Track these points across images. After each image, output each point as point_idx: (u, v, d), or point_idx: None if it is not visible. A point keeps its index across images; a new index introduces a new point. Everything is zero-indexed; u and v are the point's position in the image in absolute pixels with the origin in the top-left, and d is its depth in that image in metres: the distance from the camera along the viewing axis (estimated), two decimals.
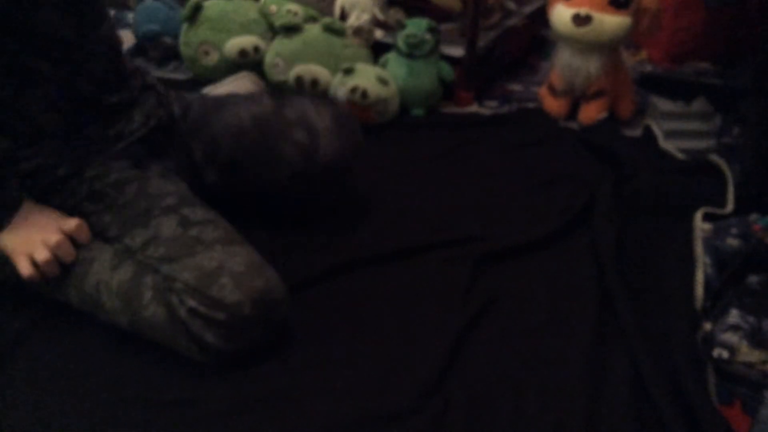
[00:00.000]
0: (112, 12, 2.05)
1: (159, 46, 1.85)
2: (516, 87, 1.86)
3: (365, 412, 0.92)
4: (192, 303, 0.93)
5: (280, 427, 0.91)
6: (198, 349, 0.95)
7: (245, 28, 1.68)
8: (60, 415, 0.91)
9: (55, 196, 1.06)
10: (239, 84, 1.61)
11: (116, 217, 1.05)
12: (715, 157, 1.46)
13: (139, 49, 1.92)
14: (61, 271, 1.02)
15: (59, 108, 1.04)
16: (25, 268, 1.00)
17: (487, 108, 1.75)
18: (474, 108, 1.74)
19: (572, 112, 1.69)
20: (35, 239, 1.00)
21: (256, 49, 1.67)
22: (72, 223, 1.03)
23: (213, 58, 1.68)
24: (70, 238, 1.03)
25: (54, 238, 1.01)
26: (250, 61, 1.68)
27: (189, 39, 1.69)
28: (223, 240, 1.00)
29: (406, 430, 0.90)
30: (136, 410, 0.92)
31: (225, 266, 0.95)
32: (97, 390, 0.95)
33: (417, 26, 1.64)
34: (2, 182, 1.02)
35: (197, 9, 1.67)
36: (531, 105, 1.75)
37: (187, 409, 0.93)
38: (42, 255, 1.00)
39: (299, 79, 1.62)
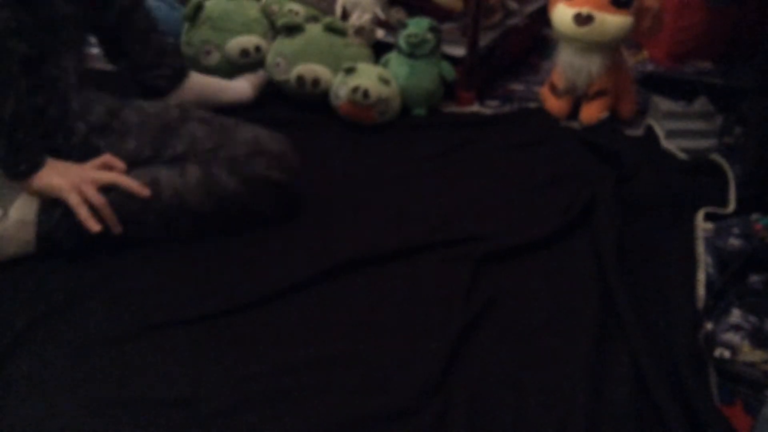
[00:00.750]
0: None
1: None
2: (517, 87, 1.86)
3: (366, 412, 0.92)
4: (259, 160, 1.20)
5: (281, 426, 0.90)
6: (274, 192, 1.23)
7: (247, 28, 1.68)
8: (60, 415, 0.91)
9: (59, 140, 1.18)
10: (237, 86, 1.63)
11: (140, 140, 1.20)
12: (716, 157, 1.46)
13: None
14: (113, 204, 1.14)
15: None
16: (77, 205, 1.11)
17: (489, 108, 1.75)
18: (475, 108, 1.74)
19: (573, 112, 1.69)
20: (76, 175, 1.13)
21: (258, 48, 1.67)
22: (100, 159, 1.16)
23: (215, 58, 1.67)
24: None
25: (92, 173, 1.14)
26: (251, 61, 1.68)
27: (190, 39, 1.69)
28: (237, 122, 1.27)
29: (407, 430, 0.90)
30: (136, 410, 0.92)
31: (257, 134, 1.24)
32: (97, 389, 0.95)
33: (418, 26, 1.63)
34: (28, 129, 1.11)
35: (198, 8, 1.67)
36: (532, 105, 1.75)
37: (188, 409, 0.92)
38: (92, 189, 1.12)
39: (300, 79, 1.62)
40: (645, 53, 2.01)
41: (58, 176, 1.13)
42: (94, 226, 1.12)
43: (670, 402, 0.92)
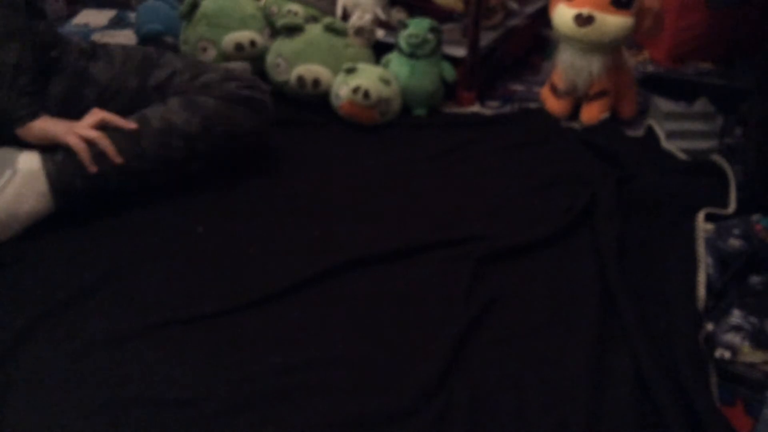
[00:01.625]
0: (114, 12, 2.06)
1: (161, 46, 1.85)
2: (518, 87, 1.86)
3: (366, 411, 0.92)
4: (231, 83, 1.36)
5: (281, 426, 0.90)
6: (249, 108, 1.35)
7: (242, 24, 1.68)
8: (60, 416, 0.91)
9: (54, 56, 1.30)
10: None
11: (126, 67, 1.35)
12: (717, 158, 1.46)
13: None
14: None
15: None
16: (76, 143, 1.20)
17: (489, 108, 1.75)
18: (476, 108, 1.74)
19: (574, 112, 1.69)
20: (70, 123, 1.23)
21: (253, 43, 1.67)
22: (91, 114, 1.26)
23: (211, 55, 1.68)
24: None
25: (88, 120, 1.24)
26: (246, 56, 1.68)
27: (187, 36, 1.69)
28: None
29: (408, 429, 0.90)
30: (136, 410, 0.92)
31: (228, 66, 1.52)
32: (97, 390, 0.95)
33: (419, 26, 1.63)
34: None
35: (194, 6, 1.67)
36: (533, 105, 1.75)
37: (188, 409, 0.92)
38: (86, 129, 1.22)
39: (301, 79, 1.62)
40: (646, 54, 2.01)
41: (54, 124, 1.23)
42: (92, 167, 1.21)
43: (671, 402, 0.91)
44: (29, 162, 1.20)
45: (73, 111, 1.27)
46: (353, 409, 0.93)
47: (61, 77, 1.30)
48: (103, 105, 1.29)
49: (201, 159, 1.33)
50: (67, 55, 1.31)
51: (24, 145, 1.22)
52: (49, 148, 1.22)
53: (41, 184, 1.20)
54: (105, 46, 1.38)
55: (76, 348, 1.00)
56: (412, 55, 1.64)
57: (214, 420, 0.91)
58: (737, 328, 1.02)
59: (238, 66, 1.66)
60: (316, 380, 0.97)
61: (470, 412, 0.92)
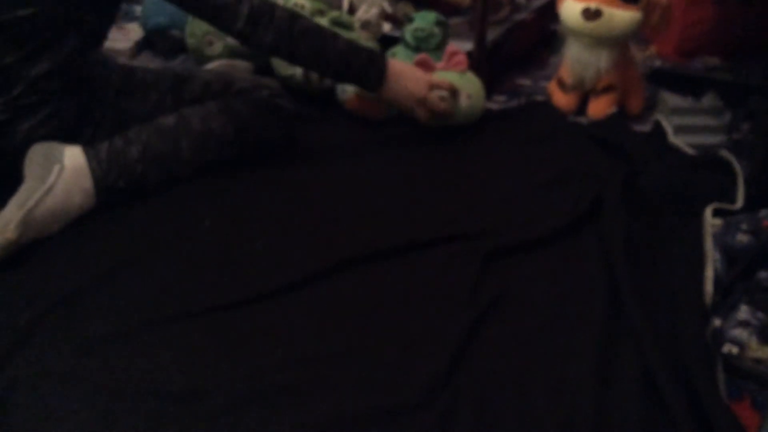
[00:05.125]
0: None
1: (167, 40, 1.85)
2: (525, 81, 1.85)
3: (372, 407, 0.92)
4: (263, 91, 1.42)
5: (286, 422, 0.90)
6: (279, 117, 1.44)
7: None
8: (65, 411, 0.91)
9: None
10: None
11: (161, 90, 1.38)
12: (725, 153, 1.45)
13: (147, 43, 1.92)
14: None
15: None
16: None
17: (496, 102, 1.74)
18: None
19: (581, 107, 1.68)
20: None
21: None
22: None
23: (217, 48, 1.68)
24: None
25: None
26: (253, 52, 1.67)
27: (193, 30, 1.69)
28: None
29: (414, 425, 0.90)
30: (140, 405, 0.92)
31: (255, 76, 1.60)
32: (101, 384, 0.95)
33: (425, 20, 1.63)
34: None
35: None
36: (540, 99, 1.74)
37: (194, 403, 0.92)
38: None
39: (307, 73, 1.62)
40: (653, 49, 2.00)
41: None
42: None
43: (678, 399, 0.91)
44: (75, 158, 1.22)
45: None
46: (358, 404, 0.92)
47: (102, 124, 1.31)
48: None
49: (228, 161, 1.38)
50: (104, 93, 1.33)
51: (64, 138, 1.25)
52: (90, 144, 1.25)
53: (87, 181, 1.22)
54: (134, 75, 1.39)
55: (81, 343, 1.00)
56: (418, 49, 1.63)
57: (220, 414, 0.91)
58: (745, 324, 1.02)
59: (241, 65, 1.66)
60: (321, 376, 0.97)
61: (475, 411, 0.92)
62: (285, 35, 1.27)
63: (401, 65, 1.44)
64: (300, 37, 1.29)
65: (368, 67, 1.36)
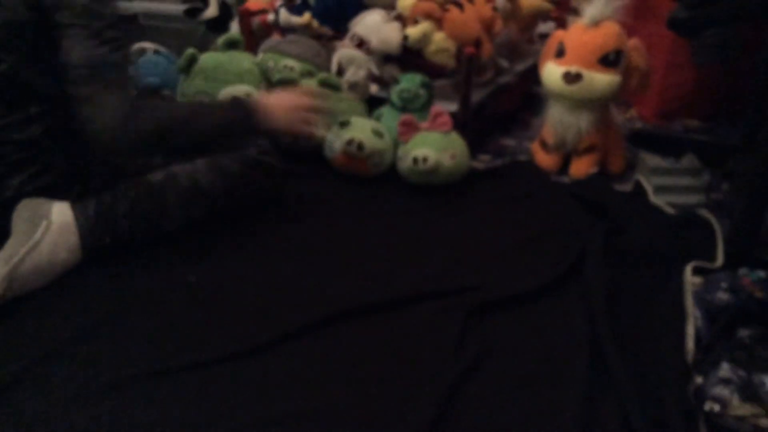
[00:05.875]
0: None
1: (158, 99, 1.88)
2: (509, 142, 1.89)
3: None
4: (252, 149, 1.45)
5: None
6: (268, 173, 1.47)
7: (239, 78, 1.72)
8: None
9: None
10: None
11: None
12: (704, 212, 1.48)
13: None
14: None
15: None
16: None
17: (481, 162, 1.77)
18: None
19: (564, 167, 1.72)
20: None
21: (249, 97, 1.70)
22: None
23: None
24: None
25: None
26: None
27: (184, 89, 1.72)
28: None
29: None
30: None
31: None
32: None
33: (411, 81, 1.67)
34: None
35: (192, 60, 1.71)
36: (523, 159, 1.77)
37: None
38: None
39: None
40: (633, 111, 2.05)
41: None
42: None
43: None
44: (63, 214, 1.22)
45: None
46: None
47: (92, 180, 1.31)
48: None
49: (216, 217, 1.39)
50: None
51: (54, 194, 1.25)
52: (79, 199, 1.25)
53: (73, 237, 1.22)
54: None
55: (64, 398, 0.99)
56: (404, 109, 1.67)
57: None
58: (726, 381, 1.02)
59: None
60: (306, 430, 0.96)
61: None
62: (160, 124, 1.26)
63: (266, 97, 1.41)
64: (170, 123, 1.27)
65: (238, 114, 1.36)
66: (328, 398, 1.02)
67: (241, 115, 1.35)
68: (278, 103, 1.39)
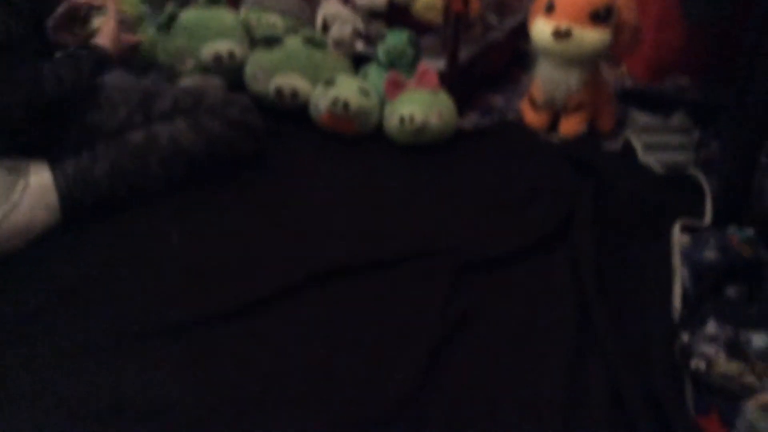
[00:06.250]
0: None
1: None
2: (497, 100, 1.86)
3: (339, 422, 0.91)
4: (233, 108, 1.43)
5: None
6: (250, 133, 1.44)
7: (221, 35, 1.68)
8: (24, 427, 0.89)
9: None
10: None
11: (129, 106, 1.35)
12: (693, 170, 1.47)
13: None
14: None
15: None
16: None
17: (469, 121, 1.75)
18: None
19: (553, 125, 1.69)
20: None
21: (231, 54, 1.66)
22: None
23: (189, 65, 1.67)
24: None
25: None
26: (225, 68, 1.67)
27: (165, 46, 1.68)
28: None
29: None
30: (105, 420, 0.90)
31: (225, 92, 1.57)
32: (64, 400, 0.93)
33: (398, 38, 1.64)
34: None
35: (172, 18, 1.67)
36: (512, 117, 1.75)
37: (158, 419, 0.91)
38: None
39: (279, 91, 1.62)
40: (624, 68, 2.02)
41: None
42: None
43: (646, 414, 0.91)
44: (40, 174, 1.21)
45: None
46: (325, 419, 0.92)
47: (68, 139, 1.29)
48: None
49: (199, 176, 1.37)
50: (74, 116, 1.31)
51: (29, 153, 1.22)
52: (57, 159, 1.23)
53: (52, 198, 1.21)
54: (102, 90, 1.37)
55: (44, 358, 0.99)
56: (390, 67, 1.64)
57: (188, 430, 0.89)
58: (713, 339, 1.02)
59: (212, 81, 1.65)
60: (288, 391, 0.96)
61: (443, 425, 0.91)
62: None
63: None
64: None
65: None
66: (312, 358, 1.01)
67: (83, 52, 1.29)
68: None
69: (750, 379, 0.98)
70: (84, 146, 1.27)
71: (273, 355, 1.02)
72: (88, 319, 1.06)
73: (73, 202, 1.22)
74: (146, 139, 1.31)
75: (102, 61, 1.33)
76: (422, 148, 1.57)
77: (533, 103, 1.70)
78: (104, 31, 1.37)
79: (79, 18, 1.41)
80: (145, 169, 1.29)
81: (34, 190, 1.18)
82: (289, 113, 1.65)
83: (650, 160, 1.54)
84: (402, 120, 1.53)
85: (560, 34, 1.55)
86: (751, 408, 0.83)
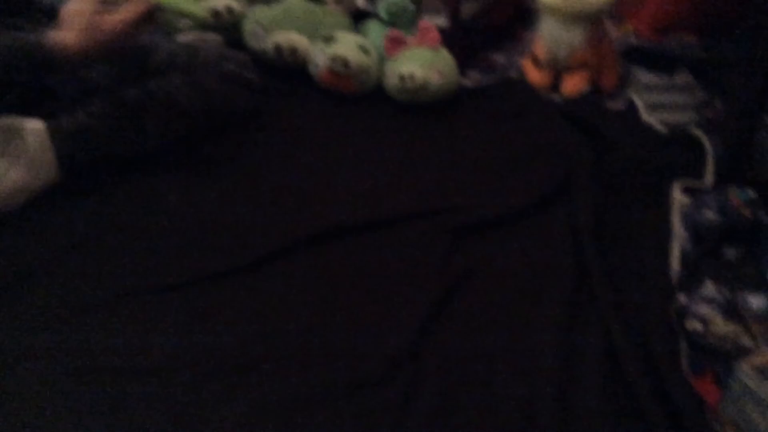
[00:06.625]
0: None
1: None
2: (499, 58, 1.83)
3: (336, 381, 0.92)
4: (229, 63, 1.41)
5: (249, 397, 0.90)
6: (246, 89, 1.42)
7: None
8: (22, 386, 0.89)
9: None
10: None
11: (126, 61, 1.35)
12: (695, 130, 1.45)
13: None
14: None
15: None
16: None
17: (470, 79, 1.72)
18: None
19: (555, 84, 1.67)
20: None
21: (230, 9, 1.63)
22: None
23: (187, 21, 1.64)
24: None
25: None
26: (223, 24, 1.64)
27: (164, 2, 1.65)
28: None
29: (377, 399, 0.90)
30: (102, 380, 0.91)
31: (222, 47, 1.53)
32: (62, 360, 0.93)
33: None
34: None
35: None
36: (514, 76, 1.73)
37: (155, 379, 0.91)
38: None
39: (278, 48, 1.60)
40: (628, 26, 1.99)
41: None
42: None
43: (641, 374, 0.92)
44: (37, 133, 1.18)
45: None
46: (322, 379, 0.92)
47: (63, 95, 1.27)
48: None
49: (197, 134, 1.36)
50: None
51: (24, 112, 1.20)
52: (52, 116, 1.21)
53: (49, 156, 1.19)
54: None
55: (40, 317, 0.99)
56: (391, 24, 1.61)
57: (181, 391, 0.90)
58: (709, 300, 1.02)
59: (211, 38, 1.63)
60: (285, 350, 0.96)
61: (440, 383, 0.92)
62: None
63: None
64: None
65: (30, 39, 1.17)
66: (310, 318, 1.02)
67: (33, 40, 1.15)
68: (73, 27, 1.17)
69: (745, 340, 0.98)
70: (79, 103, 1.25)
71: (271, 315, 1.02)
72: (85, 279, 1.05)
73: (71, 160, 1.21)
74: (142, 96, 1.28)
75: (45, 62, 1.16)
76: (422, 107, 1.55)
77: (536, 62, 1.68)
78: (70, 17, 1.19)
79: None
80: (141, 126, 1.27)
81: (31, 148, 1.17)
82: (288, 71, 1.63)
83: (652, 119, 1.52)
84: (402, 78, 1.51)
85: None
86: (744, 368, 0.83)
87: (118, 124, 1.25)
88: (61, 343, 0.95)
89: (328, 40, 1.56)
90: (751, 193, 1.19)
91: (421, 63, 1.52)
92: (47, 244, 1.11)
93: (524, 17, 1.96)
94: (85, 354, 0.94)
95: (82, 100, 1.25)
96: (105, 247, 1.12)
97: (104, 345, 0.95)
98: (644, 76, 1.60)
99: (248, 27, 1.63)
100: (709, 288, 1.05)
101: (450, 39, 1.65)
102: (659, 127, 1.50)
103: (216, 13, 1.63)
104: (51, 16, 1.26)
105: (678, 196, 1.25)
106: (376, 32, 1.64)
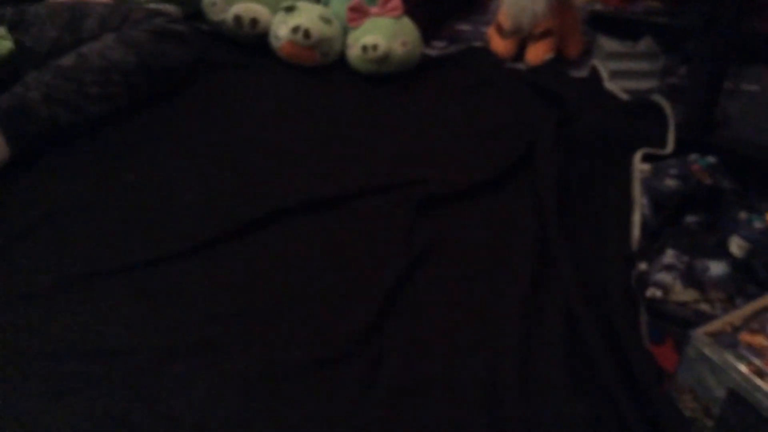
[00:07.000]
0: None
1: None
2: (464, 27, 1.82)
3: (297, 359, 0.91)
4: (159, 18, 1.42)
5: (210, 377, 0.88)
6: (179, 42, 1.42)
7: None
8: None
9: None
10: None
11: (58, 28, 1.36)
12: (657, 98, 1.45)
13: None
14: None
15: None
16: None
17: (435, 48, 1.71)
18: None
19: (520, 53, 1.66)
20: None
21: None
22: None
23: None
24: None
25: None
26: None
27: None
28: None
29: (341, 374, 0.89)
30: (61, 362, 0.89)
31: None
32: (24, 342, 0.91)
33: None
34: None
35: None
36: (478, 45, 1.71)
37: (118, 359, 0.90)
38: None
39: (238, 19, 1.56)
40: None
41: None
42: None
43: (601, 343, 0.92)
44: None
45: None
46: (284, 357, 0.91)
47: None
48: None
49: (140, 93, 1.36)
50: None
51: None
52: None
53: None
54: (27, 11, 1.37)
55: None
56: None
57: (144, 370, 0.89)
58: (670, 268, 1.03)
59: (169, 9, 1.59)
60: (247, 330, 0.95)
61: (402, 358, 0.92)
62: None
63: None
64: None
65: None
66: (270, 296, 1.01)
67: None
68: None
69: (705, 306, 0.99)
70: (11, 77, 1.24)
71: (231, 293, 1.01)
72: (40, 261, 1.03)
73: (17, 133, 1.18)
74: (77, 59, 1.28)
75: None
76: (386, 78, 1.54)
77: (500, 30, 1.67)
78: None
79: None
80: (82, 90, 1.27)
81: None
82: (248, 43, 1.60)
83: (615, 87, 1.52)
84: (365, 49, 1.49)
85: None
86: (699, 335, 0.84)
87: (57, 89, 1.24)
88: (20, 326, 0.93)
89: (290, 10, 1.54)
90: (712, 159, 1.19)
91: (384, 33, 1.50)
92: (1, 224, 1.09)
93: None
94: (44, 337, 0.92)
95: (14, 73, 1.24)
96: (63, 228, 1.09)
97: (63, 327, 0.93)
98: (608, 44, 1.59)
99: None
100: (670, 255, 1.05)
101: (414, 8, 1.63)
102: (622, 94, 1.50)
103: None
104: None
105: (639, 164, 1.25)
106: (338, 2, 1.61)
